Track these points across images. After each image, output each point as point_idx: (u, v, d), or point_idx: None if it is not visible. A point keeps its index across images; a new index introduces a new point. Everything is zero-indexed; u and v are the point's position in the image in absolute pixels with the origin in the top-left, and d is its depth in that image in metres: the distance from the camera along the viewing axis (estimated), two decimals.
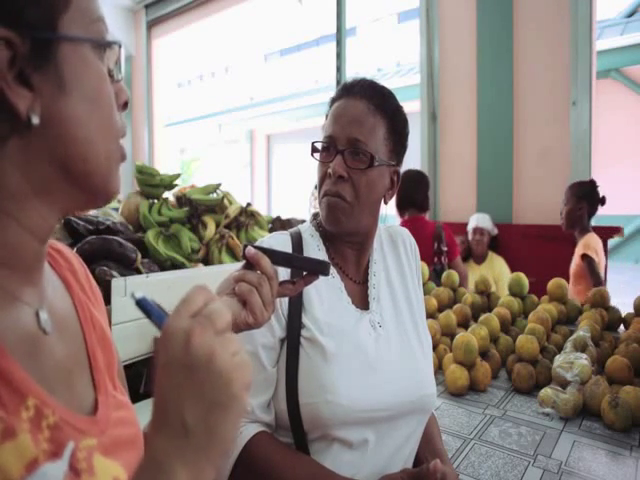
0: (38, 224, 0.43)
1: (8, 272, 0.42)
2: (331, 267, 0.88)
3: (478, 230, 3.05)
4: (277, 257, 0.62)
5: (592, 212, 2.63)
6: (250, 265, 0.61)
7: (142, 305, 0.43)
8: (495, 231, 3.11)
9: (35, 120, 0.39)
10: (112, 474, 0.45)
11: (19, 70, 0.38)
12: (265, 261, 0.60)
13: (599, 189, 2.63)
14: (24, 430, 0.37)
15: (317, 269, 0.64)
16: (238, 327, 0.61)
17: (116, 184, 0.46)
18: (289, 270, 0.81)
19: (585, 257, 2.52)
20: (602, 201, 2.63)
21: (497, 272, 2.97)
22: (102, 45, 0.44)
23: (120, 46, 0.46)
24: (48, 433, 0.39)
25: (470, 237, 3.09)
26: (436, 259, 2.62)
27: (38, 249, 0.44)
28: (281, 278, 0.64)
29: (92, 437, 0.44)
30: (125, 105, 0.48)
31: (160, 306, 0.43)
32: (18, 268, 0.43)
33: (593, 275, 2.43)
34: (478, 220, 3.08)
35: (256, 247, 0.61)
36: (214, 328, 0.38)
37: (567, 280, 2.08)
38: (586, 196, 2.60)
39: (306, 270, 0.65)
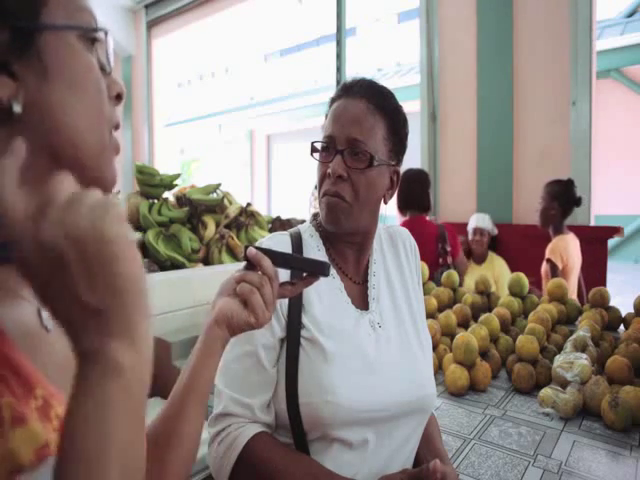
0: None
1: (8, 268, 0.42)
2: (331, 268, 0.89)
3: (478, 230, 3.05)
4: (277, 258, 0.62)
5: (566, 212, 2.58)
6: (251, 266, 0.62)
7: None
8: (495, 231, 3.11)
9: (17, 108, 0.38)
10: None
11: (0, 59, 0.37)
12: (266, 262, 0.61)
13: (577, 189, 2.57)
14: (34, 418, 0.37)
15: (317, 270, 0.64)
16: (240, 327, 0.61)
17: (111, 173, 0.46)
18: (289, 271, 0.81)
19: (548, 261, 2.51)
20: (577, 202, 2.56)
21: (497, 272, 2.97)
22: (86, 32, 0.43)
23: (106, 34, 0.45)
24: (57, 423, 0.40)
25: (470, 237, 3.09)
26: (441, 260, 2.60)
27: None
28: (281, 279, 0.64)
29: None
30: (118, 97, 0.47)
31: None
32: None
33: None
34: (478, 220, 3.08)
35: (257, 248, 0.62)
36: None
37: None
38: (560, 196, 2.56)
39: (306, 271, 0.65)
